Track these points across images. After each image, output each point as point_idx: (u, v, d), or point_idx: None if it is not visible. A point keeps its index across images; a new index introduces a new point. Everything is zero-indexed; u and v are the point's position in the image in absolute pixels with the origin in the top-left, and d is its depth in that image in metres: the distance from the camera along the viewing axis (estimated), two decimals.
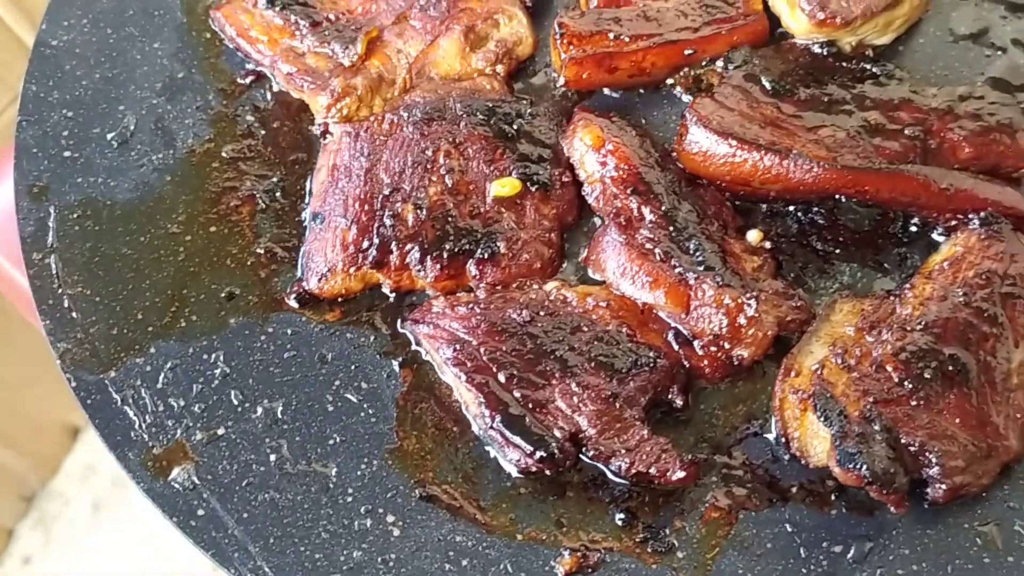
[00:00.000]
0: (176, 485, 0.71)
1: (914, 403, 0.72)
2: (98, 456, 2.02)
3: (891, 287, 0.82)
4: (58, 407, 1.93)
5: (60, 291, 0.79)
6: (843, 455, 0.68)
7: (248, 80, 0.92)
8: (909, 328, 0.75)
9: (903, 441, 0.70)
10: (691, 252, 0.79)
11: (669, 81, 0.93)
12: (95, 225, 0.83)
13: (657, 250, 0.79)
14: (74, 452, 2.04)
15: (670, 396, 0.76)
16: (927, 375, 0.72)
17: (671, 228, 0.80)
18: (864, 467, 0.67)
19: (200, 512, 0.70)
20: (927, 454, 0.70)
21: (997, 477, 0.72)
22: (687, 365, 0.77)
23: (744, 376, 0.78)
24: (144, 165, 0.86)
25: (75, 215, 0.83)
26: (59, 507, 2.02)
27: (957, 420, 0.72)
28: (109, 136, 0.87)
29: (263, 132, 0.89)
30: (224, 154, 0.88)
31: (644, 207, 0.81)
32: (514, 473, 0.73)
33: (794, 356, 0.75)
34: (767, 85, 0.88)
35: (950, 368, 0.73)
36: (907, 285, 0.79)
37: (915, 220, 0.84)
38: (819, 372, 0.73)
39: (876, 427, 0.70)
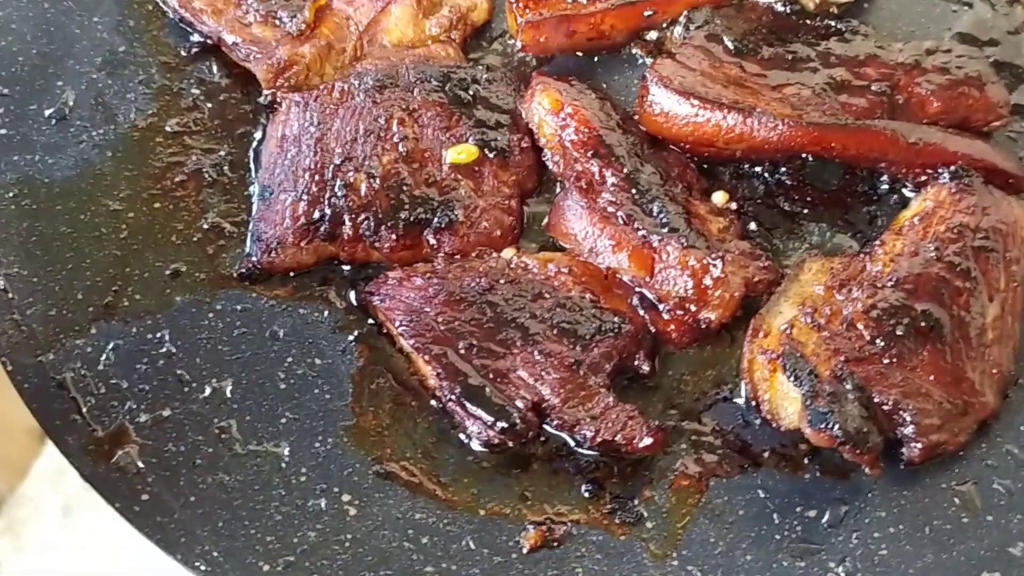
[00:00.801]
0: (119, 469, 0.68)
1: (887, 361, 0.69)
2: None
3: (860, 246, 0.80)
4: (25, 411, 1.88)
5: None
6: (814, 415, 0.66)
7: (192, 52, 0.88)
8: (880, 285, 0.73)
9: (876, 400, 0.68)
10: (654, 214, 0.76)
11: (629, 45, 0.90)
12: (32, 204, 0.79)
13: (620, 213, 0.77)
14: (42, 456, 2.00)
15: (636, 362, 0.74)
16: (899, 332, 0.70)
17: (634, 191, 0.78)
18: (836, 427, 0.65)
19: (144, 496, 0.67)
20: (901, 413, 0.68)
21: (974, 435, 0.71)
22: (653, 330, 0.75)
23: (712, 340, 0.76)
24: (84, 142, 0.83)
25: (11, 194, 0.80)
26: (29, 511, 1.97)
27: (931, 377, 0.70)
28: (47, 112, 0.84)
29: (209, 105, 0.86)
30: (168, 128, 0.85)
31: (606, 170, 0.79)
32: (476, 447, 0.70)
33: (762, 317, 0.73)
34: (729, 45, 0.86)
35: (923, 324, 0.71)
36: (877, 242, 0.77)
37: (884, 177, 0.82)
38: (788, 332, 0.71)
39: (848, 386, 0.68)
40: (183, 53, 0.89)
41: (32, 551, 1.90)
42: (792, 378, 0.68)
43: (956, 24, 0.92)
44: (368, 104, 0.82)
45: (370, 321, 0.77)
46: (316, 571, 0.65)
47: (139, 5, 0.91)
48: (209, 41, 0.89)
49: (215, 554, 0.65)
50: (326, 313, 0.77)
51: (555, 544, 0.67)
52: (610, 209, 0.77)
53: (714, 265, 0.73)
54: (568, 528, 0.68)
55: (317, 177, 0.79)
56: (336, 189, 0.78)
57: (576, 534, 0.68)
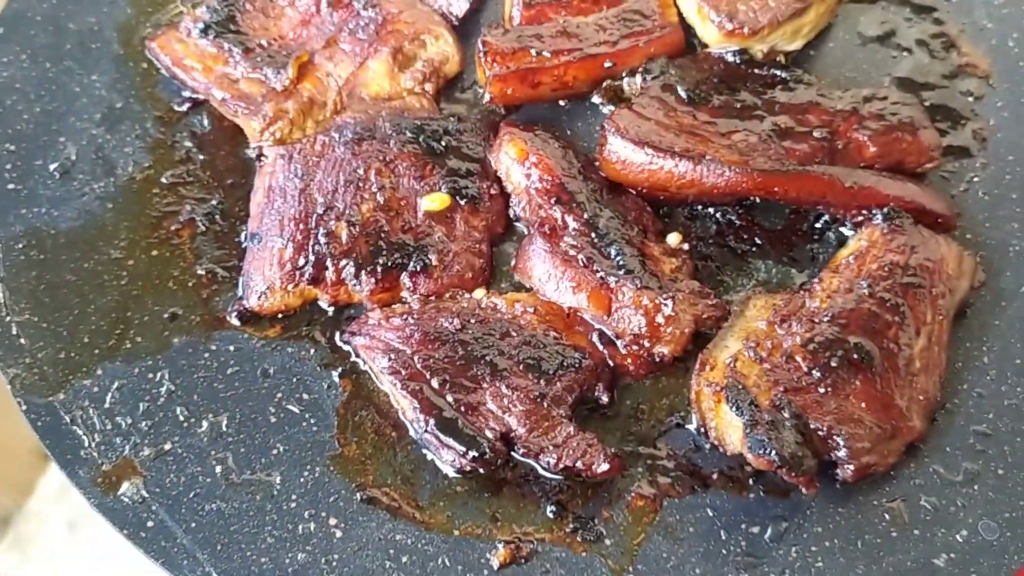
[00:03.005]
0: (126, 499, 0.74)
1: (822, 390, 0.76)
2: None
3: (803, 281, 0.86)
4: (29, 430, 1.94)
5: (8, 319, 0.82)
6: (754, 442, 0.73)
7: (185, 107, 0.95)
8: (817, 320, 0.79)
9: (812, 426, 0.75)
10: (612, 257, 0.83)
11: (592, 94, 0.97)
12: (40, 254, 0.86)
13: (580, 256, 0.83)
14: (48, 473, 2.06)
15: (596, 393, 0.80)
16: (833, 363, 0.77)
17: (593, 235, 0.85)
18: (774, 452, 0.72)
19: (149, 524, 0.73)
20: (835, 437, 0.74)
21: (902, 456, 0.77)
22: (611, 364, 0.81)
23: (666, 371, 0.82)
24: (86, 194, 0.89)
25: (20, 245, 0.86)
26: (35, 527, 2.03)
27: (863, 404, 0.76)
28: (51, 167, 0.90)
29: (201, 157, 0.93)
30: (163, 180, 0.91)
31: (567, 216, 0.85)
32: (450, 473, 0.77)
33: (709, 351, 0.80)
34: (683, 94, 0.93)
35: (855, 356, 0.77)
36: (816, 279, 0.83)
37: (825, 217, 0.89)
38: (732, 365, 0.77)
39: (785, 414, 0.74)
40: (176, 108, 0.96)
41: (38, 565, 1.96)
42: (734, 409, 0.74)
43: (896, 69, 0.99)
44: (348, 156, 0.89)
45: (352, 358, 0.83)
46: None
47: (134, 64, 0.97)
48: (200, 96, 0.95)
49: (215, 574, 0.71)
50: (312, 351, 0.83)
51: (523, 561, 0.74)
52: (571, 252, 0.84)
53: (665, 304, 0.80)
54: (535, 546, 0.74)
55: (302, 226, 0.86)
56: (319, 237, 0.85)
57: (542, 551, 0.74)
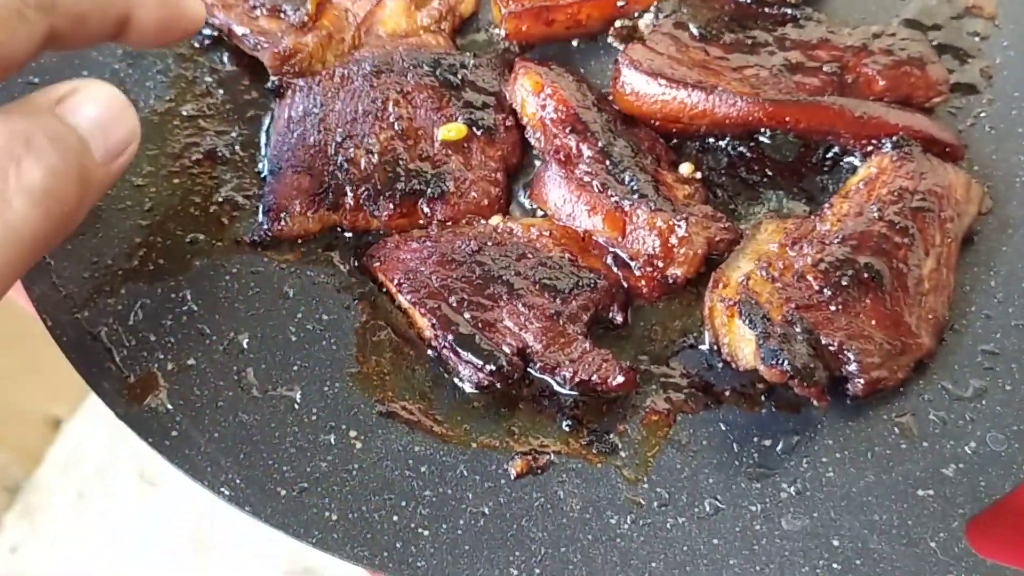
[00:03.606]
0: (150, 410, 0.76)
1: (833, 308, 0.78)
2: (81, 446, 2.05)
3: (813, 211, 0.88)
4: (39, 399, 1.96)
5: None
6: (767, 353, 0.74)
7: (205, 44, 0.97)
8: (828, 242, 0.81)
9: (823, 342, 0.76)
10: (626, 183, 0.85)
11: (605, 34, 0.99)
12: None
13: (595, 182, 0.85)
14: (57, 443, 2.08)
15: (611, 314, 0.82)
16: (844, 282, 0.78)
17: (607, 162, 0.86)
18: (786, 363, 0.73)
19: (174, 433, 0.75)
20: (846, 352, 0.76)
21: (912, 372, 0.78)
22: (626, 285, 0.83)
23: (679, 294, 0.84)
24: None
25: None
26: (44, 497, 2.05)
27: (873, 322, 0.78)
28: None
29: (221, 91, 0.94)
30: (184, 112, 0.93)
31: (582, 144, 0.87)
32: (468, 388, 0.78)
33: (722, 270, 0.81)
34: (695, 31, 0.94)
35: (865, 275, 0.79)
36: (826, 204, 0.85)
37: (835, 149, 0.91)
38: (745, 283, 0.79)
39: (798, 329, 0.76)
40: (196, 44, 0.97)
41: (47, 534, 1.98)
42: (747, 322, 0.76)
43: (903, 11, 1.01)
44: (366, 88, 0.91)
45: (371, 282, 0.84)
46: (328, 495, 0.73)
47: None
48: (220, 33, 0.97)
49: (238, 481, 0.73)
50: (331, 275, 0.85)
51: (539, 471, 0.75)
52: (586, 179, 0.85)
53: (679, 226, 0.81)
54: (551, 457, 0.76)
55: (321, 153, 0.87)
56: (338, 164, 0.87)
57: (558, 463, 0.76)
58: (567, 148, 0.86)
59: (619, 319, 0.81)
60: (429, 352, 0.80)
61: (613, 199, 0.83)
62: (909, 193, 0.82)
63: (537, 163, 0.91)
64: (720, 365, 0.80)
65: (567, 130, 0.87)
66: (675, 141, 0.92)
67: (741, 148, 0.91)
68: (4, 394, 1.88)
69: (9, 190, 0.54)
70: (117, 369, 0.78)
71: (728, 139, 0.91)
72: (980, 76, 0.95)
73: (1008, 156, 0.90)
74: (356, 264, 0.85)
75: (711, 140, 0.92)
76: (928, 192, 0.83)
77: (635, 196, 0.83)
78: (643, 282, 0.82)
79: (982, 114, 0.93)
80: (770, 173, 0.90)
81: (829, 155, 0.91)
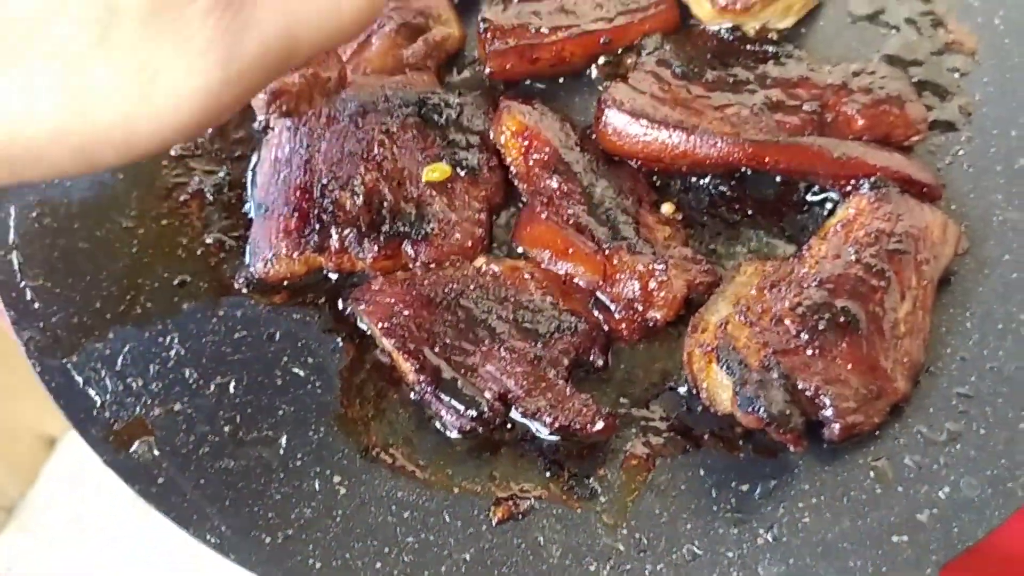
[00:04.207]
0: (137, 456, 0.77)
1: (810, 352, 0.79)
2: (76, 464, 2.06)
3: (793, 251, 0.89)
4: (33, 417, 1.97)
5: (23, 284, 0.84)
6: (743, 400, 0.75)
7: None
8: (805, 285, 0.82)
9: (800, 387, 0.77)
10: (607, 225, 0.86)
11: (588, 70, 1.00)
12: (53, 222, 0.88)
13: (576, 224, 0.86)
14: (51, 462, 2.08)
15: (591, 357, 0.83)
16: (821, 326, 0.79)
17: (589, 204, 0.87)
18: (763, 409, 0.74)
19: (160, 480, 0.76)
20: (822, 397, 0.77)
21: (887, 416, 0.79)
22: (606, 328, 0.84)
23: (659, 336, 0.85)
24: None
25: (34, 214, 0.89)
26: (40, 515, 2.06)
27: (849, 366, 0.79)
28: None
29: (209, 130, 0.95)
30: (173, 152, 0.94)
31: (564, 185, 0.88)
32: (450, 433, 0.79)
33: (701, 315, 0.82)
34: (677, 69, 0.95)
35: (842, 319, 0.80)
36: (805, 247, 0.86)
37: (814, 188, 0.92)
38: (723, 327, 0.80)
39: (774, 374, 0.77)
40: None
41: (43, 553, 1.99)
42: (725, 368, 0.77)
43: (884, 46, 1.01)
44: (352, 128, 0.92)
45: (355, 323, 0.85)
46: (311, 542, 0.74)
47: None
48: None
49: (223, 529, 0.74)
50: (316, 317, 0.86)
51: (520, 516, 0.76)
52: (568, 221, 0.86)
53: (659, 270, 0.82)
54: (532, 503, 0.77)
55: (307, 195, 0.88)
56: (324, 205, 0.88)
57: (539, 508, 0.77)
58: (550, 189, 0.88)
59: (600, 362, 0.83)
60: (412, 395, 0.81)
61: (594, 243, 0.84)
62: (886, 235, 0.83)
63: (521, 200, 0.91)
64: (699, 408, 0.81)
65: (550, 171, 0.88)
66: (657, 180, 0.93)
67: (722, 187, 0.92)
68: None
69: None
70: (103, 415, 0.79)
71: (709, 177, 0.92)
72: (959, 113, 0.96)
73: (986, 194, 0.91)
74: (341, 306, 0.86)
75: (693, 179, 0.93)
76: (905, 234, 0.84)
77: (616, 240, 0.84)
78: (623, 325, 0.83)
79: (960, 152, 0.94)
80: (750, 212, 0.91)
81: (809, 194, 0.91)
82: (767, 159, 0.88)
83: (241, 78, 0.56)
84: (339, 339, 0.85)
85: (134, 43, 0.53)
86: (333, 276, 0.88)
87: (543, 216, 0.87)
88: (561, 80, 1.00)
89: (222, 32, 0.54)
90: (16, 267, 0.85)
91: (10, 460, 2.02)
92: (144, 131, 0.55)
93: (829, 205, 0.92)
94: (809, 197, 0.92)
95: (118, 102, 0.54)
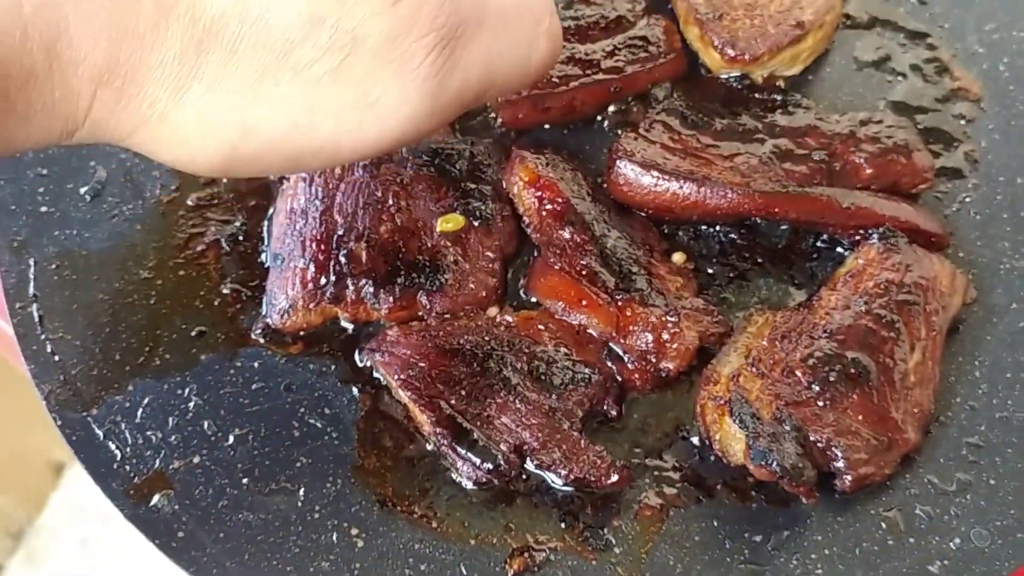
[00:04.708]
0: (157, 511, 0.78)
1: (821, 404, 0.80)
2: (84, 492, 2.07)
3: (802, 298, 0.90)
4: (41, 444, 1.98)
5: (43, 337, 0.86)
6: (756, 453, 0.76)
7: None
8: (816, 336, 0.83)
9: (812, 438, 0.78)
10: (619, 276, 0.87)
11: (599, 117, 1.01)
12: (72, 274, 0.89)
13: (589, 276, 0.87)
14: (60, 488, 2.10)
15: (605, 407, 0.84)
16: (832, 378, 0.80)
17: (602, 254, 0.88)
18: (775, 463, 0.75)
19: (180, 534, 0.77)
20: (833, 449, 0.78)
21: (898, 467, 0.81)
22: (619, 379, 0.85)
23: (672, 386, 0.86)
24: (116, 216, 0.93)
25: (54, 266, 0.90)
26: (47, 543, 2.07)
27: (860, 417, 0.80)
28: (82, 190, 0.94)
29: (225, 180, 0.96)
30: (189, 202, 0.95)
31: (576, 236, 0.89)
32: (466, 485, 0.80)
33: (713, 366, 0.83)
34: (687, 118, 0.97)
35: (852, 371, 0.81)
36: (815, 297, 0.87)
37: (823, 237, 0.93)
38: (735, 379, 0.81)
39: (786, 427, 0.78)
40: None
41: None
42: (737, 421, 0.78)
43: (891, 93, 1.03)
44: (367, 178, 0.93)
45: (371, 374, 0.87)
46: None
47: None
48: None
49: None
50: (333, 367, 0.87)
51: (536, 568, 0.77)
52: (581, 271, 0.88)
53: (671, 321, 0.84)
54: (547, 554, 0.78)
55: (323, 246, 0.90)
56: (340, 257, 0.89)
57: (554, 559, 0.78)
58: (562, 240, 0.89)
59: (613, 413, 0.84)
60: (428, 446, 0.82)
61: (607, 294, 0.85)
62: (895, 286, 0.85)
63: (533, 248, 0.93)
64: (711, 457, 0.82)
65: (562, 222, 0.90)
66: (667, 228, 0.94)
67: (732, 235, 0.94)
68: (5, 438, 1.90)
69: (543, 29, 0.69)
70: (123, 469, 0.80)
71: (719, 225, 0.93)
72: (965, 160, 0.97)
73: (992, 242, 0.92)
74: (357, 356, 0.87)
75: (703, 226, 0.94)
76: (914, 285, 0.85)
77: (628, 291, 0.85)
78: (636, 375, 0.84)
79: (967, 199, 0.95)
80: (760, 260, 0.92)
81: (819, 241, 0.93)
82: (777, 210, 0.89)
83: (442, 110, 0.64)
84: (355, 389, 0.85)
85: (365, 71, 0.59)
86: (348, 326, 0.89)
87: (556, 267, 0.88)
88: (570, 128, 1.00)
89: (437, 68, 0.61)
90: (36, 320, 0.86)
91: (19, 487, 2.03)
92: (349, 148, 0.63)
93: (838, 250, 0.93)
94: (818, 244, 0.93)
95: (338, 122, 0.61)
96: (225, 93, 0.59)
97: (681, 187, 0.90)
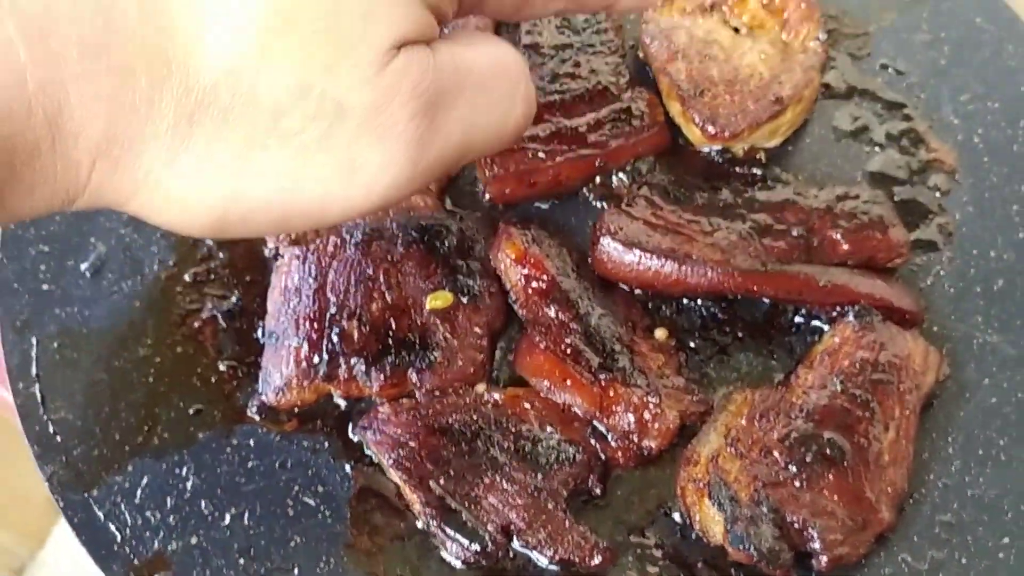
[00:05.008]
0: None
1: (798, 484, 0.83)
2: None
3: (781, 372, 0.93)
4: (40, 480, 2.00)
5: (45, 417, 0.88)
6: (734, 537, 0.79)
7: None
8: (793, 416, 0.86)
9: (789, 519, 0.81)
10: (603, 355, 0.90)
11: (584, 189, 1.04)
12: (74, 353, 0.92)
13: (574, 354, 0.90)
14: (61, 523, 2.12)
15: (589, 485, 0.87)
16: (808, 458, 0.83)
17: (586, 333, 0.91)
18: (752, 547, 0.78)
19: None
20: (810, 529, 0.81)
21: (873, 546, 0.83)
22: (603, 457, 0.88)
23: (654, 462, 0.88)
24: (115, 292, 0.96)
25: (55, 344, 0.92)
26: None
27: (836, 497, 0.83)
28: (83, 267, 0.97)
29: (221, 255, 0.99)
30: (187, 277, 0.98)
31: (561, 314, 0.92)
32: (456, 564, 0.83)
33: (693, 446, 0.86)
34: (669, 193, 1.00)
35: (828, 451, 0.84)
36: (793, 375, 0.90)
37: (802, 311, 0.96)
38: (714, 461, 0.84)
39: (764, 509, 0.81)
40: None
41: None
42: (716, 505, 0.81)
43: (868, 164, 1.06)
44: (358, 257, 0.96)
45: (363, 450, 0.89)
46: None
47: None
48: None
49: None
50: (326, 444, 0.90)
51: None
52: (566, 350, 0.90)
53: (653, 403, 0.86)
54: None
55: (316, 324, 0.92)
56: (333, 336, 0.92)
57: None
58: (548, 319, 0.92)
59: (597, 490, 0.86)
60: (419, 524, 0.85)
61: (591, 373, 0.88)
62: (870, 365, 0.87)
63: (520, 321, 0.95)
64: (693, 535, 0.85)
65: (547, 300, 0.92)
66: (651, 301, 0.97)
67: (714, 308, 0.96)
68: (5, 476, 1.93)
69: (519, 94, 0.71)
70: (124, 551, 0.83)
71: (702, 299, 0.96)
72: (940, 233, 1.00)
73: (966, 316, 0.95)
74: (350, 432, 0.90)
75: (685, 300, 0.97)
76: (888, 364, 0.88)
77: (612, 371, 0.88)
78: (620, 453, 0.87)
79: (942, 272, 0.98)
80: (741, 335, 0.95)
81: (797, 316, 0.95)
82: (756, 288, 0.92)
83: (424, 173, 0.67)
84: (348, 467, 0.88)
85: (350, 139, 0.62)
86: (341, 401, 0.91)
87: (542, 346, 0.90)
88: (557, 200, 1.03)
89: (419, 135, 0.64)
90: (39, 400, 0.89)
91: (19, 524, 2.05)
92: (335, 210, 0.66)
93: (816, 323, 0.95)
94: (797, 319, 0.96)
95: (324, 187, 0.64)
96: (216, 160, 0.61)
97: (663, 265, 0.92)
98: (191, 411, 0.91)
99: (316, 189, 0.64)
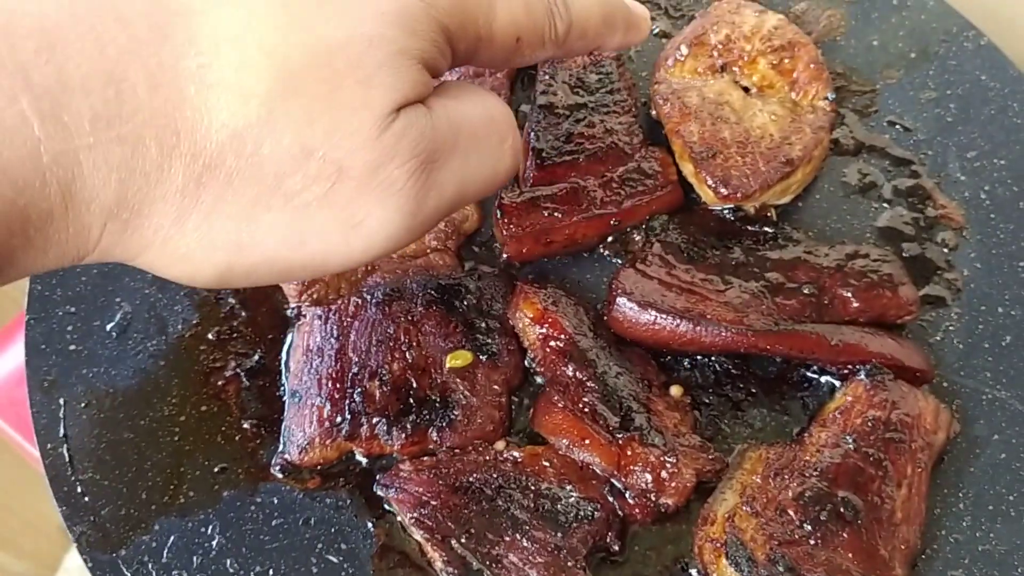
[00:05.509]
0: None
1: (813, 543, 0.84)
2: None
3: (794, 428, 0.95)
4: (51, 509, 2.02)
5: (73, 478, 0.90)
6: None
7: None
8: (807, 474, 0.88)
9: None
10: (620, 414, 0.92)
11: (599, 246, 1.06)
12: (100, 413, 0.94)
13: (591, 413, 0.92)
14: (72, 552, 2.13)
15: (608, 541, 0.88)
16: (823, 517, 0.85)
17: (603, 391, 0.93)
18: None
19: None
20: None
21: None
22: (621, 513, 0.90)
23: (671, 519, 0.90)
24: (140, 352, 0.98)
25: (82, 405, 0.95)
26: None
27: (850, 555, 0.84)
28: (109, 327, 0.99)
29: (244, 313, 1.01)
30: (210, 336, 1.00)
31: (579, 373, 0.94)
32: None
33: (710, 505, 0.88)
34: (683, 251, 1.02)
35: (842, 510, 0.85)
36: (806, 433, 0.92)
37: (814, 367, 0.98)
38: (730, 520, 0.86)
39: (780, 568, 0.82)
40: None
41: None
42: (733, 565, 0.82)
43: (877, 220, 1.08)
44: (379, 316, 0.98)
45: (385, 507, 0.91)
46: None
47: None
48: None
49: None
50: (349, 501, 0.92)
51: None
52: (584, 408, 0.92)
53: (669, 461, 0.88)
54: None
55: (338, 384, 0.94)
56: (355, 396, 0.94)
57: None
58: (565, 377, 0.94)
59: (616, 548, 0.88)
60: None
61: (608, 432, 0.90)
62: (882, 424, 0.89)
63: (538, 379, 0.97)
64: None
65: (565, 359, 0.94)
66: (667, 357, 0.99)
67: (728, 364, 0.98)
68: (17, 504, 1.94)
69: (508, 145, 0.74)
70: None
71: (716, 356, 0.98)
72: (948, 289, 1.02)
73: (975, 373, 0.97)
74: (372, 489, 0.92)
75: (699, 356, 0.99)
76: (900, 422, 0.89)
77: (629, 430, 0.90)
78: (637, 510, 0.89)
79: (951, 328, 1.00)
80: (754, 391, 0.97)
81: (809, 372, 0.97)
82: (768, 346, 0.94)
83: (420, 226, 0.71)
84: (370, 523, 0.90)
85: (350, 197, 0.65)
86: (363, 459, 0.93)
87: (560, 405, 0.92)
88: (573, 257, 1.05)
89: (416, 191, 0.68)
90: (67, 461, 0.91)
91: (31, 552, 2.07)
92: (336, 263, 0.69)
93: (827, 379, 0.97)
94: (809, 374, 0.98)
95: (326, 242, 0.67)
96: (222, 219, 0.64)
97: (678, 325, 0.95)
98: (216, 469, 0.93)
99: (318, 244, 0.67)
